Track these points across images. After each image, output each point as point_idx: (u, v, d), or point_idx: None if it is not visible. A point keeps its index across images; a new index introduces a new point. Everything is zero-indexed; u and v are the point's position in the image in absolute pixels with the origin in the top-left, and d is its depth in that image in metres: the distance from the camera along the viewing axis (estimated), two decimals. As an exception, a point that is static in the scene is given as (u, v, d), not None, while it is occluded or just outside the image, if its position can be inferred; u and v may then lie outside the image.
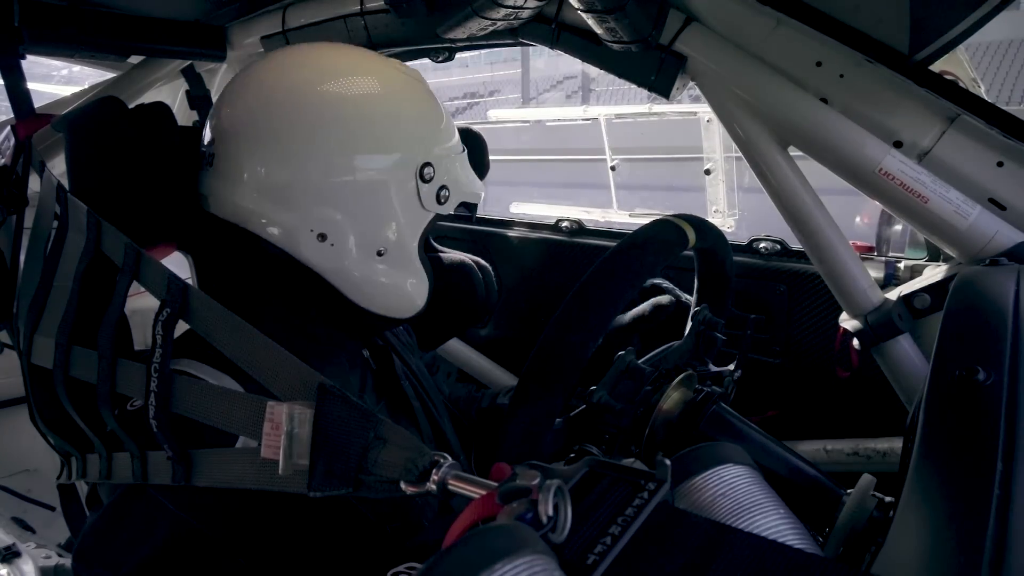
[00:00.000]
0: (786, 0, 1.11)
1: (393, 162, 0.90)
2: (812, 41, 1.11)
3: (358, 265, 0.93)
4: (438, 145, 0.95)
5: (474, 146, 1.50)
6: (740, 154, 1.23)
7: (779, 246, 1.67)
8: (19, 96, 1.14)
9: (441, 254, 1.50)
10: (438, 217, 0.96)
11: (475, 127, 1.55)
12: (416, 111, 0.95)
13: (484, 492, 0.49)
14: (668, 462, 0.50)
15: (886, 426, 1.47)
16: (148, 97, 1.83)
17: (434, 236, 1.56)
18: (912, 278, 1.36)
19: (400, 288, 0.96)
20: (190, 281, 0.84)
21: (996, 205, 1.04)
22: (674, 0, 1.19)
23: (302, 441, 0.57)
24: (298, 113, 0.87)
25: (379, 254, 0.93)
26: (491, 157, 1.54)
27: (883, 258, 1.51)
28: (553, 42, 1.33)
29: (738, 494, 0.60)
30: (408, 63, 1.94)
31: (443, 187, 0.94)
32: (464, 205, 1.01)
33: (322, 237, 0.89)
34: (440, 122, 0.97)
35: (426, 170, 0.92)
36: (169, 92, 2.01)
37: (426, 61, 1.77)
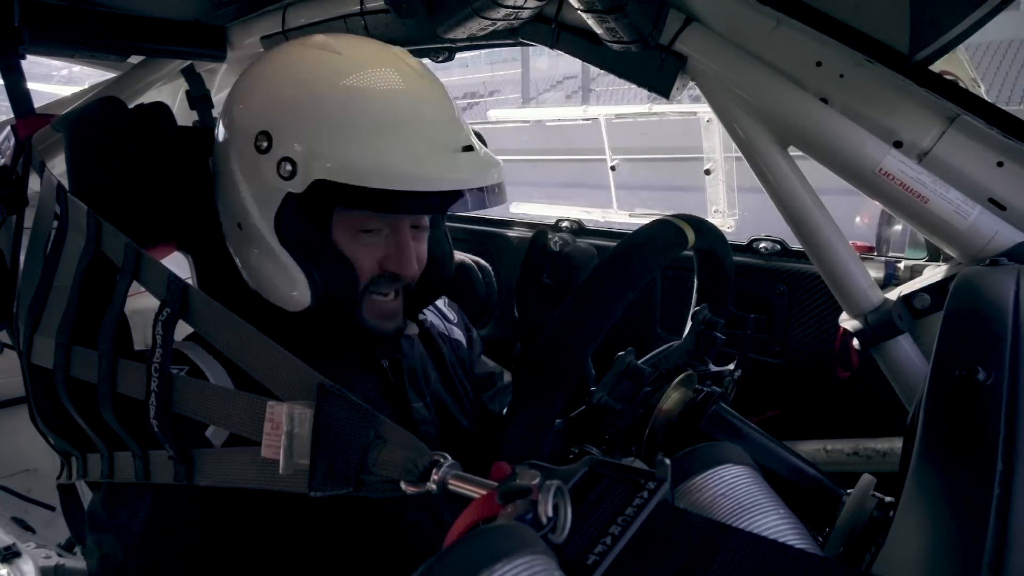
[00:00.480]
0: (786, 0, 1.11)
1: (233, 131, 0.90)
2: (812, 41, 1.10)
3: (230, 238, 0.94)
4: (279, 114, 0.86)
5: None
6: (740, 154, 1.23)
7: (779, 246, 1.67)
8: (19, 96, 1.14)
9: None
10: (295, 198, 0.85)
11: (475, 127, 1.55)
12: (266, 80, 0.90)
13: (484, 492, 0.49)
14: (668, 462, 0.50)
15: (886, 426, 1.47)
16: (148, 97, 1.83)
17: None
18: (912, 278, 1.36)
19: (267, 273, 0.91)
20: (190, 281, 0.84)
21: (996, 205, 1.03)
22: (674, 0, 1.19)
23: (302, 441, 0.57)
24: None
25: (239, 227, 0.91)
26: (491, 157, 1.54)
27: (883, 258, 1.51)
28: (553, 42, 1.33)
29: (738, 494, 0.60)
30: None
31: (285, 159, 0.84)
32: (379, 197, 0.83)
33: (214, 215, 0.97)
34: (294, 89, 0.87)
35: (259, 139, 0.85)
36: (169, 92, 2.01)
37: (426, 61, 1.77)
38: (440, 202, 0.88)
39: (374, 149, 0.84)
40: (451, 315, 1.25)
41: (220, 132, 0.93)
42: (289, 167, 0.84)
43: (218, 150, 0.93)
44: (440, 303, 1.23)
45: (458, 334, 1.22)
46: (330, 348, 0.94)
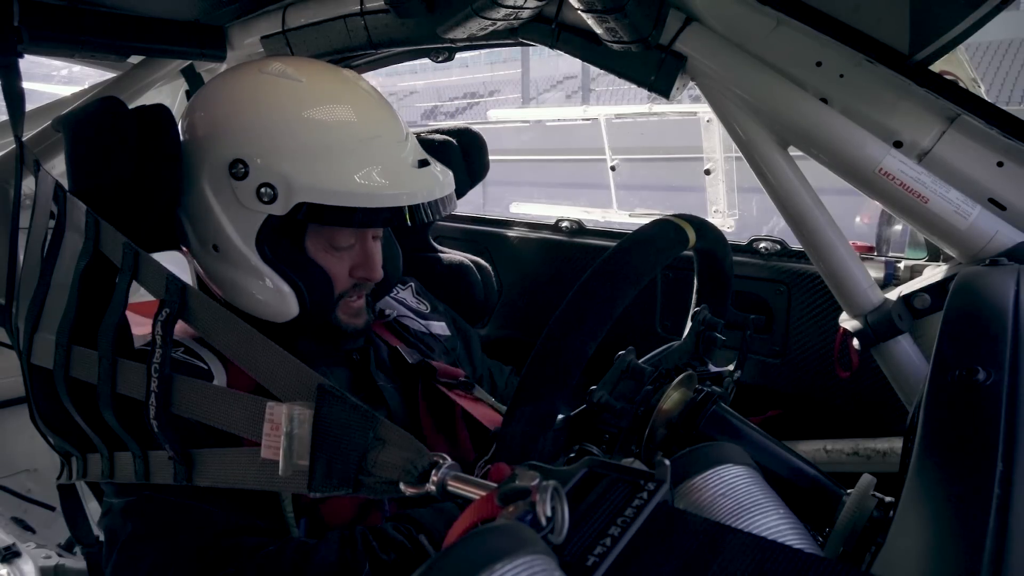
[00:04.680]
0: (786, 0, 1.11)
1: (204, 159, 0.94)
2: (812, 41, 1.10)
3: (203, 260, 0.99)
4: (255, 144, 0.92)
5: (472, 146, 1.50)
6: (740, 154, 1.23)
7: (779, 246, 1.67)
8: (15, 96, 1.14)
9: (440, 254, 1.50)
10: (276, 219, 0.92)
11: (475, 127, 1.55)
12: (233, 108, 0.96)
13: (484, 493, 0.49)
14: (668, 462, 0.50)
15: (886, 426, 1.47)
16: (148, 97, 1.83)
17: (434, 236, 1.56)
18: (912, 278, 1.36)
19: (250, 290, 0.97)
20: (190, 281, 0.84)
21: (996, 205, 1.03)
22: (674, 0, 1.19)
23: (302, 442, 0.57)
24: None
25: (215, 248, 0.96)
26: (491, 157, 1.54)
27: (883, 258, 1.51)
28: (553, 42, 1.33)
29: (738, 494, 0.60)
30: (408, 63, 1.93)
31: (264, 185, 0.90)
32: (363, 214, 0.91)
33: (181, 235, 1.01)
34: (266, 118, 0.93)
35: (236, 167, 0.91)
36: (169, 92, 2.01)
37: (426, 61, 1.77)
38: (410, 215, 0.95)
39: (348, 171, 0.92)
40: (424, 307, 1.30)
41: (188, 157, 0.97)
42: (270, 191, 0.90)
43: (188, 174, 0.97)
44: (409, 298, 1.30)
45: (438, 327, 1.25)
46: (305, 347, 1.03)
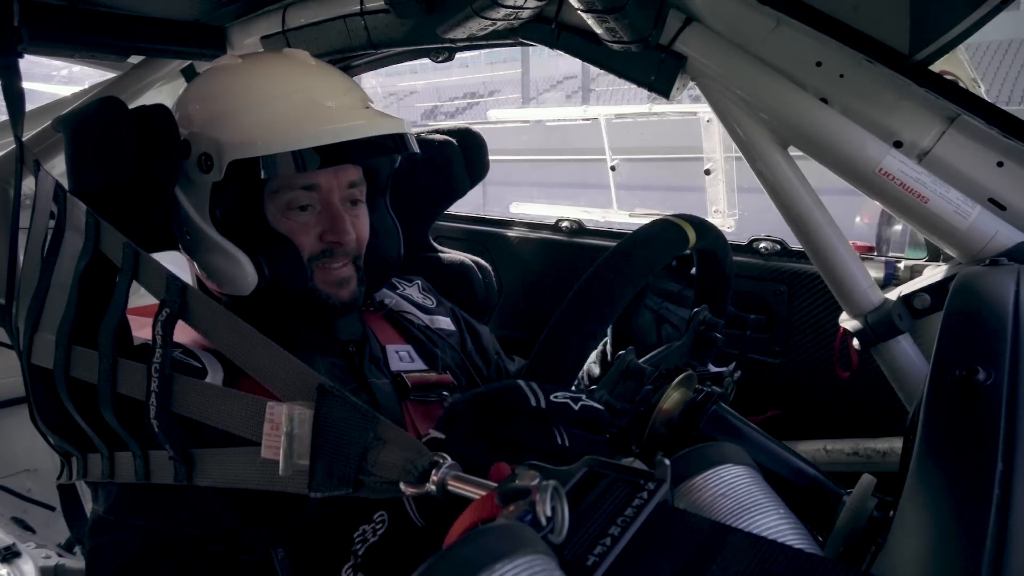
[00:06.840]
0: (786, 0, 1.11)
1: (173, 147, 0.99)
2: (812, 41, 1.10)
3: (187, 251, 1.04)
4: (195, 120, 0.99)
5: (472, 146, 1.50)
6: (740, 154, 1.23)
7: (779, 246, 1.67)
8: (14, 96, 1.14)
9: (441, 254, 1.51)
10: (220, 187, 0.96)
11: (475, 127, 1.55)
12: (179, 102, 1.04)
13: (484, 493, 0.49)
14: (668, 462, 0.50)
15: (886, 426, 1.47)
16: (148, 97, 1.83)
17: (434, 236, 1.57)
18: (912, 278, 1.36)
19: (216, 265, 1.00)
20: (190, 282, 0.84)
21: (996, 205, 1.03)
22: (674, 0, 1.19)
23: (302, 441, 0.57)
24: None
25: (188, 235, 1.01)
26: (491, 157, 1.54)
27: (883, 258, 1.51)
28: (553, 42, 1.32)
29: (738, 494, 0.60)
30: (408, 63, 1.93)
31: (202, 155, 0.96)
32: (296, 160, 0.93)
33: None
34: (202, 98, 1.02)
35: (184, 148, 0.98)
36: (169, 92, 2.01)
37: (426, 61, 1.77)
38: (343, 153, 0.96)
39: (271, 120, 0.94)
40: (430, 303, 1.28)
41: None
42: (207, 161, 0.95)
43: None
44: (415, 294, 1.28)
45: (444, 323, 1.24)
46: (302, 333, 1.02)
